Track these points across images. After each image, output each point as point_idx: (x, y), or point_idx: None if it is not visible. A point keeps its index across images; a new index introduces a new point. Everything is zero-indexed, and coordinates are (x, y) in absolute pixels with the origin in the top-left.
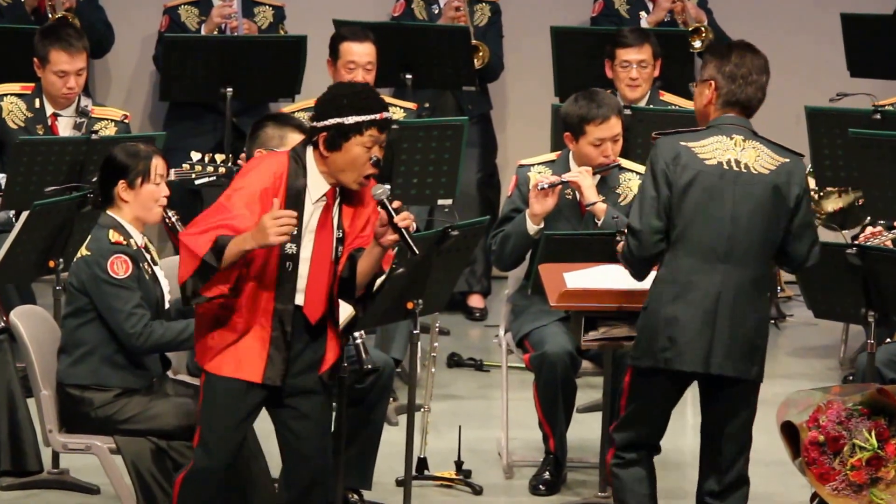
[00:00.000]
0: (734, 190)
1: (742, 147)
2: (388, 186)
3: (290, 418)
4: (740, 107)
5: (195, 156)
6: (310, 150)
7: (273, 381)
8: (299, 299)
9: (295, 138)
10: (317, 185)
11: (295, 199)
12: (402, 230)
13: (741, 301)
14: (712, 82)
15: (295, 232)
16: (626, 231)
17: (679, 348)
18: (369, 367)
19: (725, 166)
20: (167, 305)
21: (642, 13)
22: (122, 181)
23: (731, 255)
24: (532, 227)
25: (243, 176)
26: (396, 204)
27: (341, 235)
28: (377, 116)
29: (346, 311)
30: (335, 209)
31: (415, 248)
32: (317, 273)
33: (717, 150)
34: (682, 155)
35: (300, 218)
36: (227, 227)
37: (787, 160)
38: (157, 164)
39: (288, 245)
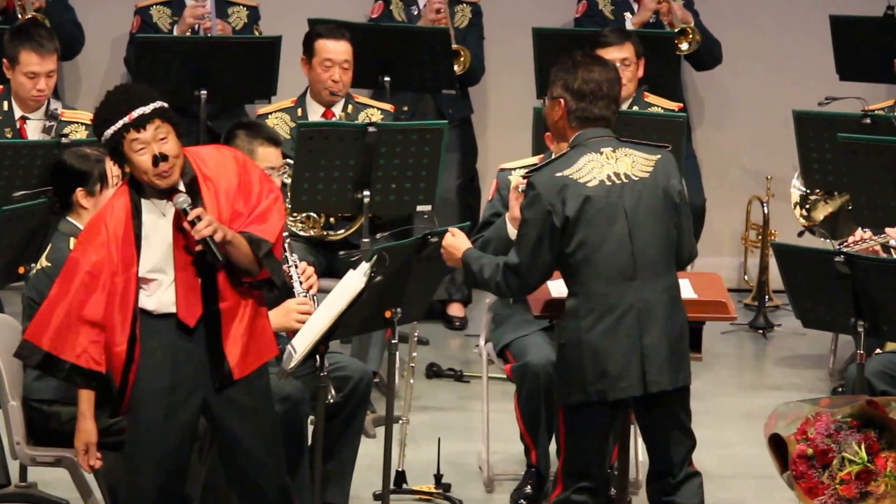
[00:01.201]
0: (623, 203)
1: (615, 158)
2: (185, 196)
3: (226, 419)
4: (594, 121)
5: None
6: None
7: (183, 387)
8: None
9: (264, 152)
10: (157, 200)
11: (142, 228)
12: (205, 240)
13: (661, 312)
14: (561, 101)
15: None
16: (499, 265)
17: (610, 377)
18: (330, 400)
19: (608, 182)
20: None
21: (627, 14)
22: (80, 189)
23: (640, 270)
24: (512, 231)
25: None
26: (195, 213)
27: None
28: (126, 119)
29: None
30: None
31: (217, 255)
32: (184, 280)
33: (593, 168)
34: (566, 187)
35: (138, 237)
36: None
37: (659, 156)
38: (110, 166)
39: (150, 273)
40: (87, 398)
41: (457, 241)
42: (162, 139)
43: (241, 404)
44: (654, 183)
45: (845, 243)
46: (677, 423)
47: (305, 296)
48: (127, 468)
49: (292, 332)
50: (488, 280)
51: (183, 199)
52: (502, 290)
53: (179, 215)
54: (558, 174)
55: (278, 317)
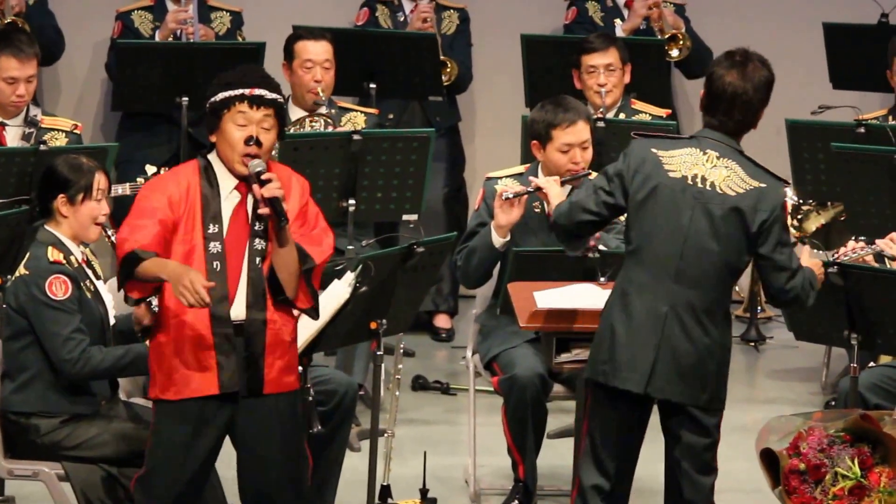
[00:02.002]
0: (693, 207)
1: (714, 164)
2: (262, 161)
3: (250, 438)
4: (714, 124)
5: (150, 169)
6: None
7: (230, 386)
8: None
9: None
10: (225, 178)
11: (209, 202)
12: (271, 199)
13: (692, 324)
14: (702, 91)
15: (215, 228)
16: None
17: (616, 364)
18: (315, 430)
19: (689, 181)
20: (112, 321)
21: (617, 21)
22: (61, 195)
23: (683, 274)
24: (498, 240)
25: (145, 200)
26: (267, 176)
27: (261, 228)
28: (246, 91)
29: (303, 333)
30: (249, 203)
31: (281, 217)
32: (231, 267)
33: (685, 162)
34: (648, 162)
35: (220, 217)
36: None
37: (763, 185)
38: (100, 180)
39: (212, 244)
40: (153, 265)
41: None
42: (265, 128)
43: (266, 426)
44: (733, 203)
45: (836, 254)
46: (690, 445)
47: None
48: (142, 486)
49: None
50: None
51: (258, 163)
52: (555, 215)
53: (243, 209)
54: (653, 149)
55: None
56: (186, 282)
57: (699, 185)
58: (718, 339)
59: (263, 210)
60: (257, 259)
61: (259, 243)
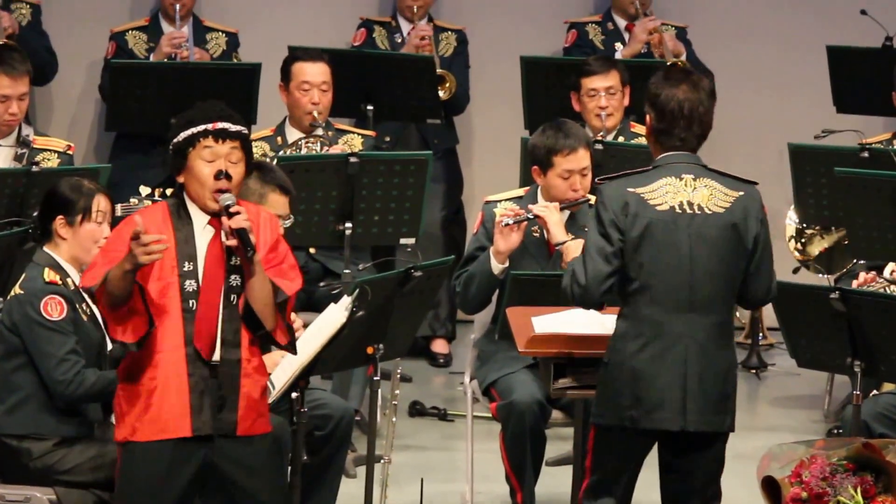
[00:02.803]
0: (689, 234)
1: (693, 187)
2: (231, 195)
3: (236, 475)
4: (675, 144)
5: (144, 190)
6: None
7: (204, 429)
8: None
9: (275, 199)
10: (198, 218)
11: (185, 240)
12: (238, 230)
13: (710, 350)
14: (647, 116)
15: (189, 266)
16: (571, 272)
17: (647, 406)
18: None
19: (678, 210)
20: (109, 346)
21: (618, 45)
22: (60, 217)
23: (695, 303)
24: (497, 266)
25: (107, 247)
26: (236, 209)
27: (237, 264)
28: (209, 126)
29: (298, 358)
30: (223, 236)
31: (248, 247)
32: (205, 304)
33: (667, 193)
34: (631, 203)
35: (195, 255)
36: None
37: (741, 193)
38: (101, 202)
39: (188, 282)
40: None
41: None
42: (233, 161)
43: (246, 462)
44: (726, 220)
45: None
46: (705, 470)
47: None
48: None
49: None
50: (563, 283)
51: (227, 197)
52: (568, 296)
53: (217, 242)
54: (630, 189)
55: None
56: (138, 249)
57: (688, 210)
58: (732, 359)
59: (231, 242)
60: (232, 296)
61: (234, 279)
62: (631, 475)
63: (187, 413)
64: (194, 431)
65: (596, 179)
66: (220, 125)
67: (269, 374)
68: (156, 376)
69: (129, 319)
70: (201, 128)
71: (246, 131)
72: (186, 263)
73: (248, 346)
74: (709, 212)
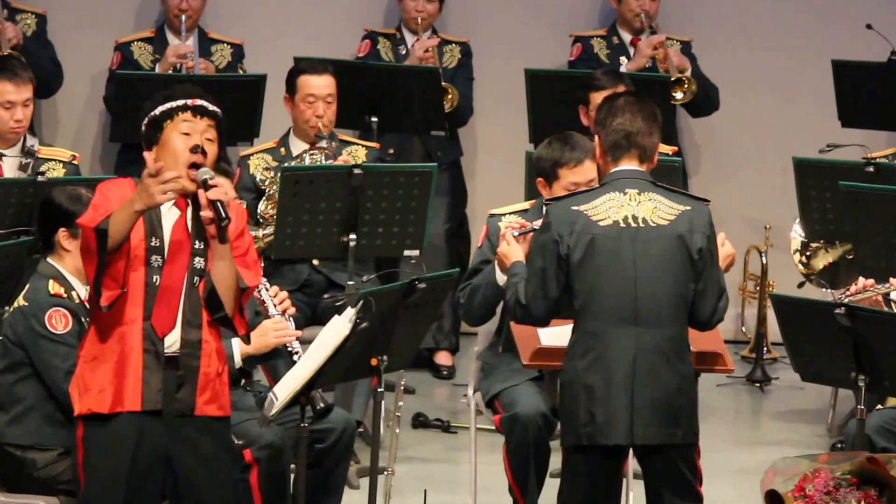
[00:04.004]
0: (633, 247)
1: (638, 201)
2: (208, 169)
3: (184, 462)
4: (627, 156)
5: None
6: None
7: (152, 404)
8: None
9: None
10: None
11: (150, 216)
12: (214, 202)
13: (659, 363)
14: (597, 136)
15: (156, 242)
16: (514, 290)
17: (599, 421)
18: (321, 405)
19: (622, 224)
20: None
21: (622, 59)
22: (63, 229)
23: (641, 316)
24: (501, 278)
25: (100, 194)
26: (214, 182)
27: (202, 247)
28: (188, 101)
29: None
30: (189, 218)
31: (223, 218)
32: (167, 283)
33: (610, 208)
34: (577, 221)
35: (161, 231)
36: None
37: (688, 207)
38: None
39: (153, 257)
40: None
41: (511, 251)
42: (209, 139)
43: (200, 450)
44: (670, 232)
45: (847, 292)
46: (678, 481)
47: (281, 317)
48: None
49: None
50: (507, 300)
51: (206, 171)
52: (511, 315)
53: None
54: (574, 207)
55: (256, 337)
56: (155, 187)
57: (632, 224)
58: (686, 372)
59: (206, 213)
60: (195, 279)
61: (199, 262)
62: (600, 494)
63: (139, 387)
64: (143, 406)
65: (544, 200)
66: (200, 102)
67: (256, 347)
68: (114, 349)
69: (105, 281)
70: (181, 102)
71: (221, 115)
72: (153, 239)
73: (207, 328)
74: (653, 224)
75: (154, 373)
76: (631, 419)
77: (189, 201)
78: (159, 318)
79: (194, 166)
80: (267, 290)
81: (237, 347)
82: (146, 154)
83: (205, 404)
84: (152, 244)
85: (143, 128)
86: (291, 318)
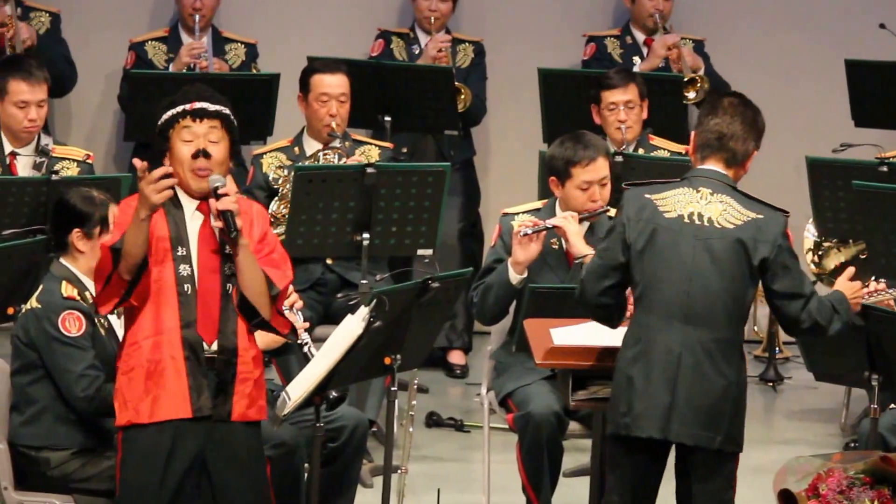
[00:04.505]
0: (693, 244)
1: (708, 201)
2: (220, 176)
3: (219, 467)
4: (713, 152)
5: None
6: None
7: (202, 410)
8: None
9: None
10: (187, 202)
11: (175, 225)
12: (223, 212)
13: (706, 365)
14: (693, 132)
15: (183, 251)
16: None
17: (635, 413)
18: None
19: (686, 219)
20: None
21: (636, 58)
22: (77, 230)
23: (692, 314)
24: (515, 277)
25: (121, 211)
26: (224, 190)
27: (231, 253)
28: (187, 106)
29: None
30: (213, 221)
31: (234, 227)
32: (204, 290)
33: (679, 202)
34: (646, 209)
35: (187, 239)
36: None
37: (760, 216)
38: (114, 212)
39: (182, 267)
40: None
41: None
42: (213, 140)
43: (235, 453)
44: (731, 236)
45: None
46: (703, 489)
47: (289, 311)
48: None
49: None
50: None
51: (217, 178)
52: (577, 295)
53: (209, 233)
54: (647, 195)
55: (265, 333)
56: (148, 188)
57: (696, 221)
58: (734, 378)
59: (216, 223)
60: (228, 285)
61: (230, 268)
62: (645, 489)
63: (186, 395)
64: (194, 413)
65: (623, 184)
66: (198, 105)
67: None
68: (153, 359)
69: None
70: (179, 108)
71: (226, 111)
72: (179, 248)
73: (244, 335)
74: (717, 226)
75: (194, 380)
76: (669, 415)
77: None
78: (203, 326)
79: (204, 171)
80: None
81: None
82: (134, 160)
83: (242, 409)
84: (179, 253)
85: (156, 138)
86: (300, 312)
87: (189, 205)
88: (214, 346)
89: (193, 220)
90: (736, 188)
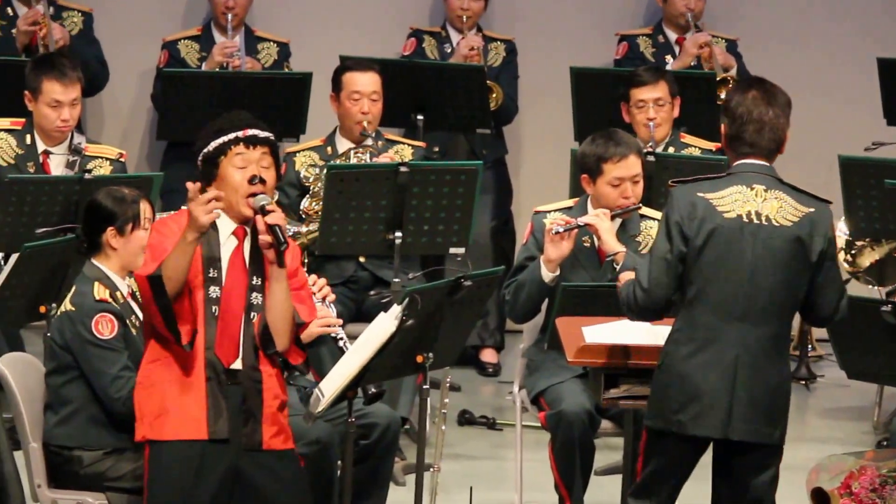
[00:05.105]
0: (754, 244)
1: (763, 198)
2: (266, 196)
3: (259, 481)
4: (750, 151)
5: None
6: None
7: (220, 434)
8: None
9: None
10: (224, 225)
11: (210, 247)
12: (272, 226)
13: (762, 361)
14: (723, 124)
15: (214, 273)
16: (633, 277)
17: (694, 412)
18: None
19: (745, 219)
20: None
21: (668, 57)
22: (111, 228)
23: (750, 312)
24: (547, 274)
25: (155, 233)
26: (271, 207)
27: (259, 282)
28: (240, 133)
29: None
30: (247, 250)
31: (281, 242)
32: (227, 312)
33: (736, 201)
34: (699, 207)
35: (219, 262)
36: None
37: (812, 209)
38: (145, 208)
39: (212, 289)
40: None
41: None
42: (265, 166)
43: (272, 468)
44: (792, 233)
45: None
46: (756, 482)
47: (322, 304)
48: None
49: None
50: (622, 294)
51: (262, 197)
52: (630, 307)
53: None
54: (700, 194)
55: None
56: (199, 209)
57: (755, 220)
58: (787, 372)
59: (265, 238)
60: (252, 314)
61: (255, 298)
62: (678, 480)
63: (203, 417)
64: (210, 435)
65: (669, 182)
66: (251, 132)
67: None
68: (174, 378)
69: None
70: (232, 135)
71: (273, 138)
72: (211, 270)
73: (267, 363)
74: (776, 224)
75: (219, 401)
76: (729, 414)
77: (247, 230)
78: (223, 347)
79: (252, 195)
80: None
81: None
82: (188, 184)
83: (271, 438)
84: (210, 275)
85: (199, 164)
86: (332, 305)
87: (225, 229)
88: (236, 369)
89: (227, 244)
90: (784, 181)
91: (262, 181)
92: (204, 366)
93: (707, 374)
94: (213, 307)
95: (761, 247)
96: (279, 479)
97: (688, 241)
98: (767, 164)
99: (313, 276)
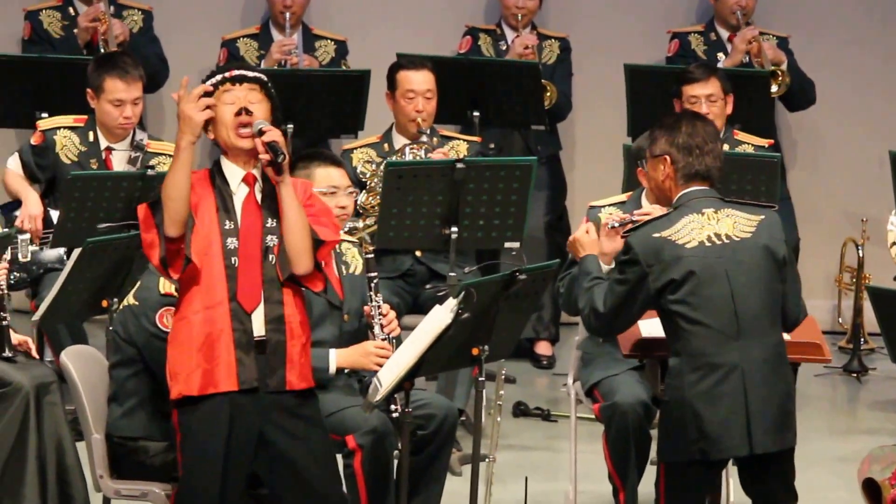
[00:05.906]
0: (726, 264)
1: (716, 219)
2: (261, 120)
3: (280, 439)
4: (700, 178)
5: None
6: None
7: (250, 382)
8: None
9: (324, 172)
10: (233, 174)
11: (223, 198)
12: (270, 143)
13: (767, 372)
14: (667, 157)
15: (230, 225)
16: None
17: (713, 437)
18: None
19: (707, 243)
20: None
21: (720, 55)
22: None
23: (743, 329)
24: (603, 268)
25: None
26: (268, 128)
27: (273, 224)
28: (226, 74)
29: (404, 358)
30: (258, 195)
31: (279, 154)
32: (245, 259)
33: (693, 230)
34: (663, 248)
35: (234, 212)
36: None
37: (762, 217)
38: None
39: (229, 240)
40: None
41: (586, 241)
42: (252, 101)
43: (295, 426)
44: (755, 243)
45: None
46: (783, 484)
47: (385, 339)
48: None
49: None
50: (580, 304)
51: (261, 121)
52: (584, 321)
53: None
54: (656, 235)
55: (355, 356)
56: (188, 106)
57: (717, 242)
58: (790, 377)
59: (264, 156)
60: (270, 256)
61: (271, 240)
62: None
63: (234, 367)
64: (241, 385)
65: (621, 234)
66: (237, 72)
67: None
68: (202, 332)
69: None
70: (219, 77)
71: (265, 78)
72: (227, 222)
73: (291, 303)
74: (737, 238)
75: (246, 352)
76: (748, 429)
77: (256, 176)
78: (244, 294)
79: (247, 128)
80: (379, 307)
81: (334, 358)
82: (183, 82)
83: (294, 379)
84: (226, 227)
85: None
86: (395, 341)
87: (234, 178)
88: (259, 316)
89: (239, 192)
90: (725, 199)
91: (248, 112)
92: (229, 317)
93: (718, 399)
94: (233, 258)
95: (733, 264)
96: (297, 430)
97: (658, 286)
98: (708, 188)
99: (386, 306)
